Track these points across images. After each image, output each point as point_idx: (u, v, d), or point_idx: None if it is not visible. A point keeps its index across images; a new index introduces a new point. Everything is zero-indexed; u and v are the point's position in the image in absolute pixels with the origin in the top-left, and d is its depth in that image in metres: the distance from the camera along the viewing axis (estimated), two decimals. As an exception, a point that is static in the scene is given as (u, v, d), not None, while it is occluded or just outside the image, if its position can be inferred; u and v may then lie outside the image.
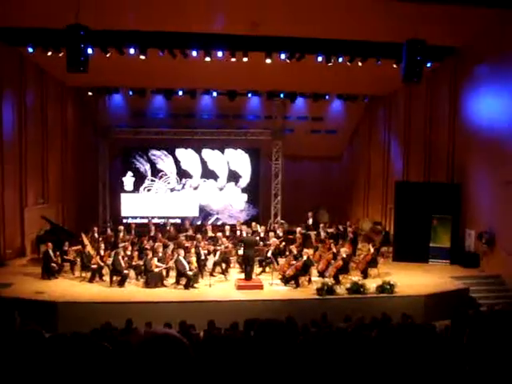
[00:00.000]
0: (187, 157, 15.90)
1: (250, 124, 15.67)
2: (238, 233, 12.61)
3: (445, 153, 12.19)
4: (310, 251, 11.69)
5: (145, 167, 15.66)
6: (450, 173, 12.02)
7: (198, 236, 11.53)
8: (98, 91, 14.33)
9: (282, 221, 15.33)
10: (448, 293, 9.19)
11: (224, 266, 10.53)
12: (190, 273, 9.43)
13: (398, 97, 14.48)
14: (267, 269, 10.79)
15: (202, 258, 10.37)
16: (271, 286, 9.61)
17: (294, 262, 9.98)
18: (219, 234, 11.76)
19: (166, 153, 15.76)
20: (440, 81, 12.37)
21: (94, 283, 9.55)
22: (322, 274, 10.09)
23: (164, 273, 9.91)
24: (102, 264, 9.87)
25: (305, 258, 9.83)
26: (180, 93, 14.46)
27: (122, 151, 15.58)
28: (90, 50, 8.66)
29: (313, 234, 13.30)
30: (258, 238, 11.51)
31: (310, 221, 14.31)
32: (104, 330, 6.20)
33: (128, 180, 15.56)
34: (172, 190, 15.90)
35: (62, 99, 13.96)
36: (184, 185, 15.95)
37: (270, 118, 15.57)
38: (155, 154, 15.72)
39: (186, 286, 9.34)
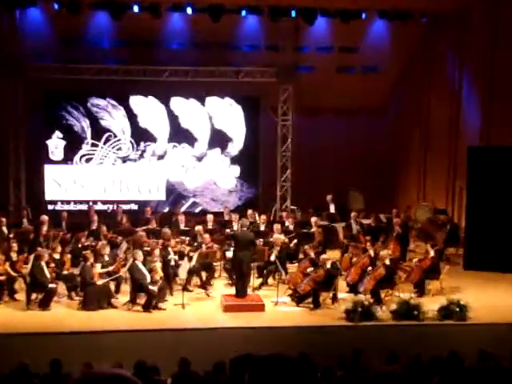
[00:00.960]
0: (147, 109, 15.71)
1: (245, 59, 15.41)
2: (227, 225, 12.70)
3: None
4: (336, 254, 11.70)
5: (81, 124, 15.46)
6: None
7: (166, 230, 11.53)
8: (3, 1, 13.85)
9: (294, 207, 15.31)
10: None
11: (205, 275, 10.56)
12: (153, 287, 9.39)
13: (475, 14, 14.13)
14: (270, 280, 10.85)
15: (172, 263, 10.43)
16: (276, 307, 9.69)
17: (311, 269, 10.02)
18: (198, 228, 11.81)
19: (114, 102, 15.55)
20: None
21: (0, 304, 9.54)
22: (353, 289, 10.16)
23: (112, 287, 9.93)
24: (14, 274, 9.83)
25: (328, 264, 9.86)
26: (135, 8, 14.08)
27: (45, 99, 15.35)
28: None
29: (339, 227, 13.38)
30: (256, 232, 11.46)
31: (332, 207, 14.48)
32: (17, 375, 6.24)
33: (55, 144, 15.38)
34: (125, 159, 15.79)
35: None
36: (143, 152, 15.82)
37: (276, 50, 15.34)
38: (98, 103, 15.50)
39: (147, 307, 9.33)
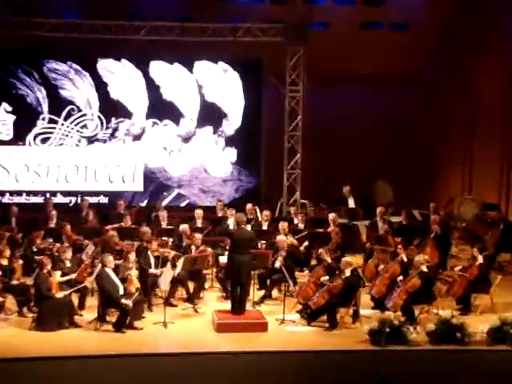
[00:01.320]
0: (121, 76, 15.73)
1: (244, 13, 15.45)
2: (220, 223, 12.67)
3: None
4: (358, 259, 11.67)
5: (36, 95, 15.45)
6: None
7: (144, 229, 11.52)
8: None
9: (304, 201, 15.40)
10: None
11: (193, 286, 10.61)
12: (127, 300, 9.34)
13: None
14: (275, 292, 10.93)
15: (152, 270, 10.39)
16: (282, 326, 9.69)
17: (325, 278, 10.01)
18: (183, 227, 11.84)
19: (77, 67, 15.56)
20: None
21: None
22: (379, 304, 10.16)
23: (75, 300, 9.90)
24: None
25: (347, 272, 9.82)
26: None
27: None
28: None
29: (362, 225, 13.53)
30: (257, 232, 11.46)
31: (351, 201, 14.66)
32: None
33: (2, 120, 15.36)
34: (91, 140, 15.82)
35: None
36: (115, 131, 15.85)
37: (283, 1, 15.36)
38: (57, 68, 15.50)
39: (119, 326, 9.30)
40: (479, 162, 16.11)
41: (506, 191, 15.07)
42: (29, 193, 15.32)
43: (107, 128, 15.75)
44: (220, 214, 13.52)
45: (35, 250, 11.19)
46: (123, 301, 9.26)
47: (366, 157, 16.36)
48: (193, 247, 11.03)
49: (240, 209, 12.97)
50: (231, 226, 12.01)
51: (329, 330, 9.48)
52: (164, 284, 9.99)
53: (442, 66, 16.98)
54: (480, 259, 10.57)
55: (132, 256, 10.14)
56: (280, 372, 8.12)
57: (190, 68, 15.87)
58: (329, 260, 10.35)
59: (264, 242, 11.77)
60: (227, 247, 10.57)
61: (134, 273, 9.76)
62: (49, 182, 15.39)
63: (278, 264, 10.69)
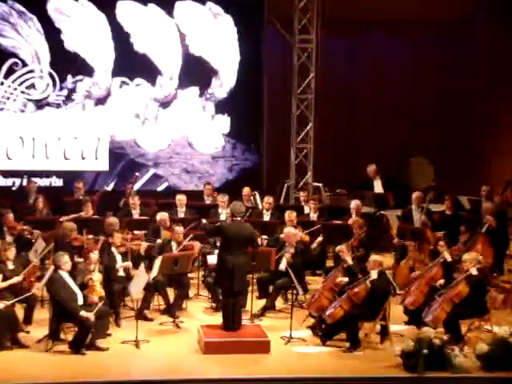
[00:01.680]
0: (79, 20, 15.74)
1: None
2: (209, 213, 12.67)
3: None
4: (387, 260, 11.62)
5: None
6: None
7: (110, 220, 11.66)
8: None
9: (318, 184, 15.49)
10: None
11: (173, 294, 10.68)
12: (88, 313, 9.34)
13: None
14: (280, 302, 11.09)
15: (120, 273, 10.55)
16: (289, 346, 9.74)
17: (343, 279, 10.11)
18: (161, 216, 12.02)
19: (22, 8, 15.57)
20: None
21: None
22: (415, 317, 10.15)
23: (20, 313, 9.94)
24: None
25: (373, 274, 9.82)
26: None
27: None
28: None
29: (392, 216, 13.66)
30: (256, 224, 11.41)
31: (379, 184, 14.82)
32: None
33: None
34: (40, 104, 15.89)
35: None
36: (72, 92, 15.92)
37: None
38: None
39: (77, 346, 9.33)
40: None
41: None
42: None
43: (61, 89, 15.77)
44: (208, 201, 13.54)
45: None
46: (82, 313, 9.22)
47: (398, 127, 16.36)
48: (173, 244, 11.03)
49: (235, 194, 13.04)
50: (223, 217, 12.02)
51: (349, 351, 9.49)
52: (136, 291, 10.00)
53: (501, 7, 16.85)
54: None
55: (94, 255, 10.11)
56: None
57: (169, 10, 15.89)
58: (349, 261, 10.32)
59: (265, 237, 11.82)
60: (217, 244, 10.54)
61: (96, 277, 9.75)
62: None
63: (283, 265, 10.75)
